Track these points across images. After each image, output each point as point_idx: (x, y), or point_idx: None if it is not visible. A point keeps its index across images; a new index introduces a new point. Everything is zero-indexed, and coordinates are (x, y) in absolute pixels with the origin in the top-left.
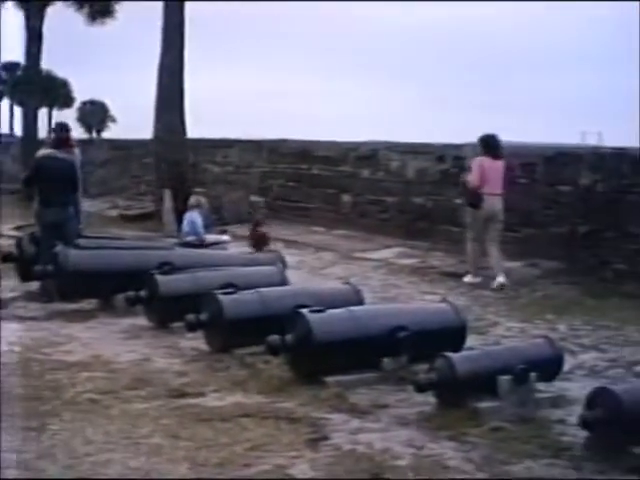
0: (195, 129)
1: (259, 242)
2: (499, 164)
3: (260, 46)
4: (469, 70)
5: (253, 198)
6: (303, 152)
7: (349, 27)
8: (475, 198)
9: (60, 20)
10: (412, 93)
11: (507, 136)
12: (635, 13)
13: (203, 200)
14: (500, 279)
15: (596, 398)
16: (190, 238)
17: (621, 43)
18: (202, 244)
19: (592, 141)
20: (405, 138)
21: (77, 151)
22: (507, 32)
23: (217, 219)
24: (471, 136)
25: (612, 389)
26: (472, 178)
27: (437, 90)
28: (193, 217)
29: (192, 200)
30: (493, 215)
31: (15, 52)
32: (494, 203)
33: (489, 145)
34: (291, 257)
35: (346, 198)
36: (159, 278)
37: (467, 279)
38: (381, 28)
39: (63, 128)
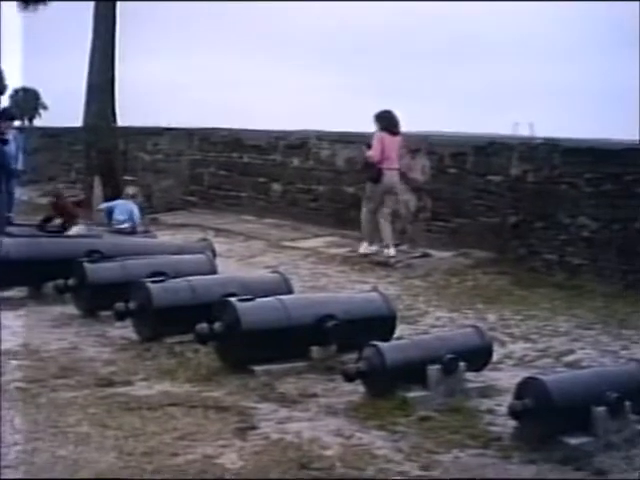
0: (128, 117)
1: (66, 214)
2: (397, 140)
3: (197, 36)
4: (405, 59)
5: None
6: (234, 141)
7: (285, 15)
8: (376, 172)
9: None
10: (347, 82)
11: (439, 126)
12: (576, 7)
13: (132, 190)
14: (390, 251)
15: (525, 388)
16: (125, 225)
17: (560, 35)
18: (133, 232)
19: (524, 132)
20: (337, 127)
21: (12, 137)
22: (443, 22)
23: (147, 207)
24: (404, 126)
25: (541, 379)
26: (373, 153)
27: (371, 79)
28: (131, 207)
29: (130, 190)
30: (391, 188)
31: None
32: (392, 177)
33: (387, 121)
34: (221, 245)
35: (276, 187)
36: (87, 266)
37: (362, 249)
38: (318, 19)
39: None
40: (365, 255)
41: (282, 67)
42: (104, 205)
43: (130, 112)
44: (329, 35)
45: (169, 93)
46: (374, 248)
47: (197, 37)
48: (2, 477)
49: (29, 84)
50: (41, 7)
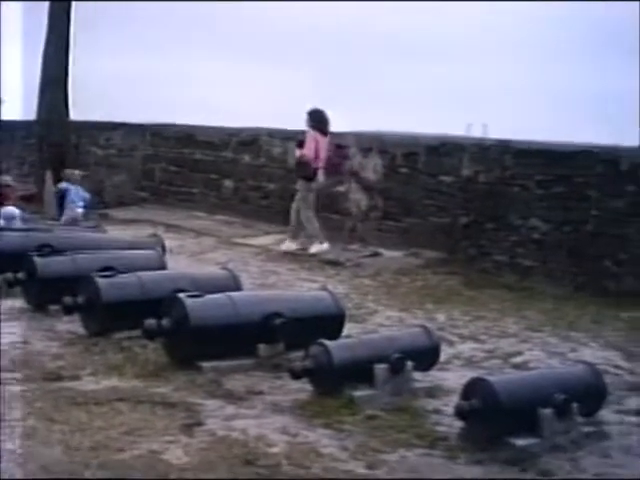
0: (82, 111)
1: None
2: (326, 140)
3: (154, 31)
4: (360, 58)
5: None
6: (186, 137)
7: (245, 12)
8: (310, 171)
9: None
10: (301, 80)
11: (392, 125)
12: (537, 7)
13: (76, 172)
14: (324, 246)
15: (472, 388)
16: (79, 210)
17: (517, 35)
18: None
19: (477, 133)
20: (291, 125)
21: None
22: (398, 19)
23: (99, 202)
24: (355, 125)
25: (488, 380)
26: (307, 152)
27: (326, 77)
28: (84, 194)
29: (74, 173)
30: (323, 187)
31: None
32: (322, 176)
33: (320, 120)
34: (171, 241)
35: (228, 184)
36: (37, 260)
37: (315, 249)
38: (279, 16)
39: None
40: (289, 252)
41: (240, 65)
42: (63, 185)
43: (89, 107)
44: (287, 33)
45: (129, 89)
46: (326, 246)
47: (158, 34)
48: (2, 477)
49: None
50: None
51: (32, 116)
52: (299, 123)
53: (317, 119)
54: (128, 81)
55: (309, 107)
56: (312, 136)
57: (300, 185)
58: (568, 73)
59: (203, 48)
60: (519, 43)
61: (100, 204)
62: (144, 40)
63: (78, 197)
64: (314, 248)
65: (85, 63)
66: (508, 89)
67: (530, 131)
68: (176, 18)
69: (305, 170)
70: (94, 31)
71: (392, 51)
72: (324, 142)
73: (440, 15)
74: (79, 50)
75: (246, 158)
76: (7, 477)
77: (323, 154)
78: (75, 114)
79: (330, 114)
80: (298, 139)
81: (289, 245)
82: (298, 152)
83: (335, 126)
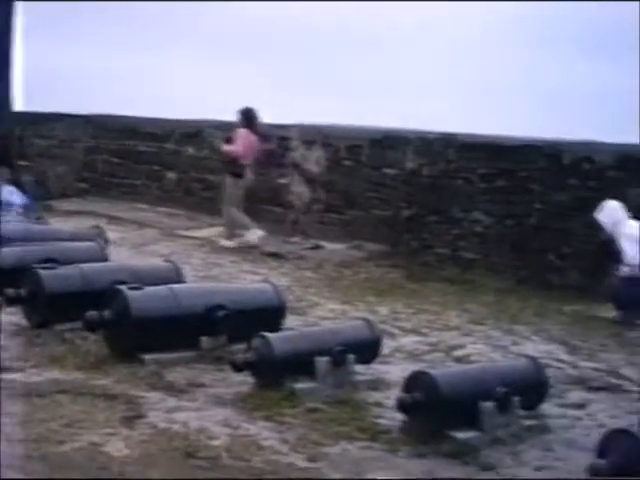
0: (29, 103)
1: None
2: (255, 137)
3: (103, 24)
4: (305, 51)
5: None
6: (130, 128)
7: (198, 5)
8: (239, 168)
9: None
10: (245, 73)
11: (337, 118)
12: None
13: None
14: (258, 232)
15: (414, 382)
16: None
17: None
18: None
19: (422, 126)
20: (235, 118)
21: None
22: (342, 12)
23: (43, 193)
24: (299, 117)
25: (430, 373)
26: (237, 149)
27: (271, 70)
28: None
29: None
30: (251, 184)
31: None
32: (251, 173)
33: (249, 118)
34: (114, 233)
35: (171, 175)
36: None
37: (223, 244)
38: (234, 9)
39: None
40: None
41: (185, 57)
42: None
43: (37, 99)
44: (233, 26)
45: (78, 81)
46: (233, 243)
47: (108, 26)
48: (2, 477)
49: None
50: None
51: None
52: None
53: (248, 117)
54: (80, 72)
55: (242, 105)
56: (242, 133)
57: (228, 181)
58: (519, 66)
59: (165, 44)
60: (470, 36)
61: (47, 195)
62: (108, 35)
63: (15, 195)
64: (251, 236)
65: (39, 53)
66: (459, 82)
67: (477, 125)
68: (138, 14)
69: (234, 167)
70: (48, 21)
71: (341, 44)
72: (253, 140)
73: (398, 7)
74: (37, 40)
75: (189, 150)
76: (7, 477)
77: (252, 152)
78: (28, 106)
79: (272, 106)
80: (226, 136)
81: (227, 243)
82: (227, 149)
83: (279, 119)
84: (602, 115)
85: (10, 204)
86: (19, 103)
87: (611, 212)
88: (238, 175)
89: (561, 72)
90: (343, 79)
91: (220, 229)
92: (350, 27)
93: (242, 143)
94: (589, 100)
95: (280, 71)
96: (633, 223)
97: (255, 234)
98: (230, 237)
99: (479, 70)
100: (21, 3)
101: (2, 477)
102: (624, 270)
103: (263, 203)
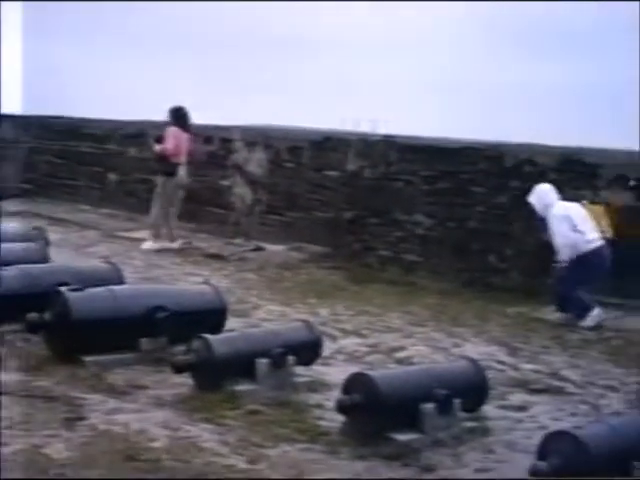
0: None
1: None
2: (186, 136)
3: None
4: (249, 51)
5: None
6: (72, 129)
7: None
8: (171, 167)
9: None
10: (186, 73)
11: (281, 120)
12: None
13: None
14: (155, 245)
15: (354, 383)
16: None
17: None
18: None
19: (366, 128)
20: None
21: None
22: (287, 11)
23: None
24: (241, 118)
25: (369, 374)
26: (169, 147)
27: (212, 71)
28: None
29: None
30: (183, 183)
31: None
32: (184, 172)
33: (180, 117)
34: (55, 234)
35: (112, 177)
36: None
37: (146, 245)
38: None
39: None
40: (158, 250)
41: (128, 57)
42: None
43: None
44: (175, 27)
45: (20, 80)
46: (158, 245)
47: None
48: (2, 477)
49: None
50: None
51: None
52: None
53: (177, 116)
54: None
55: (172, 104)
56: (173, 132)
57: (159, 180)
58: (468, 67)
59: (101, 40)
60: (419, 38)
61: None
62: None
63: None
64: (146, 244)
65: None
66: (405, 83)
67: (421, 127)
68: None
69: (164, 165)
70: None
71: (282, 45)
72: (185, 138)
73: (340, 9)
74: None
75: (131, 151)
76: (7, 477)
77: (184, 150)
78: None
79: (215, 107)
80: (156, 135)
81: (149, 245)
82: (158, 147)
83: (222, 120)
84: (546, 117)
85: None
86: None
87: (542, 195)
88: (169, 174)
89: (508, 72)
90: (286, 80)
91: (163, 230)
92: (293, 29)
93: (172, 141)
94: (533, 101)
95: (223, 71)
96: (563, 204)
97: (151, 246)
98: (156, 238)
99: (424, 71)
100: None
101: (2, 477)
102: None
103: (205, 205)
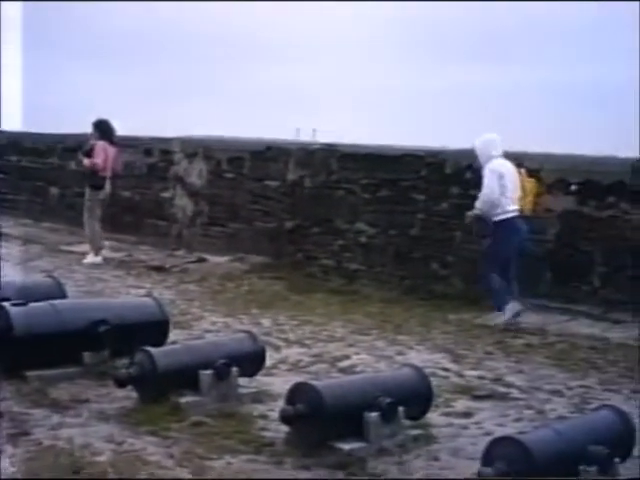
0: None
1: None
2: (113, 149)
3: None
4: (190, 61)
5: None
6: (12, 143)
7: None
8: (99, 180)
9: None
10: (131, 84)
11: (221, 130)
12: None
13: None
14: (97, 259)
15: (297, 393)
16: None
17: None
18: None
19: (306, 137)
20: (120, 131)
21: None
22: (225, 20)
23: None
24: (182, 129)
25: (312, 384)
26: (98, 162)
27: (152, 81)
28: None
29: None
30: (108, 196)
31: None
32: (109, 185)
33: (105, 131)
34: None
35: (54, 190)
36: None
37: (88, 259)
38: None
39: None
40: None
41: (61, 67)
42: None
43: None
44: (125, 36)
45: None
46: (100, 259)
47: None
48: (2, 477)
49: None
50: None
51: None
52: (127, 129)
53: (103, 129)
54: None
55: (96, 117)
56: (101, 146)
57: (88, 194)
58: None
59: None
60: (357, 45)
61: None
62: None
63: None
64: (88, 258)
65: None
66: (340, 92)
67: (362, 135)
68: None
69: (95, 179)
70: None
71: (225, 55)
72: (112, 151)
73: (280, 15)
74: None
75: (72, 164)
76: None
77: (110, 163)
78: None
79: (154, 118)
80: (85, 148)
81: (93, 259)
82: (87, 161)
83: (161, 131)
84: (488, 121)
85: None
86: None
87: (489, 144)
88: (98, 187)
89: (443, 77)
90: (226, 89)
91: (105, 243)
92: (229, 37)
93: (102, 156)
94: (473, 105)
95: (162, 81)
96: (503, 162)
97: (93, 259)
98: (96, 251)
99: (361, 77)
100: None
101: (2, 477)
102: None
103: (147, 217)
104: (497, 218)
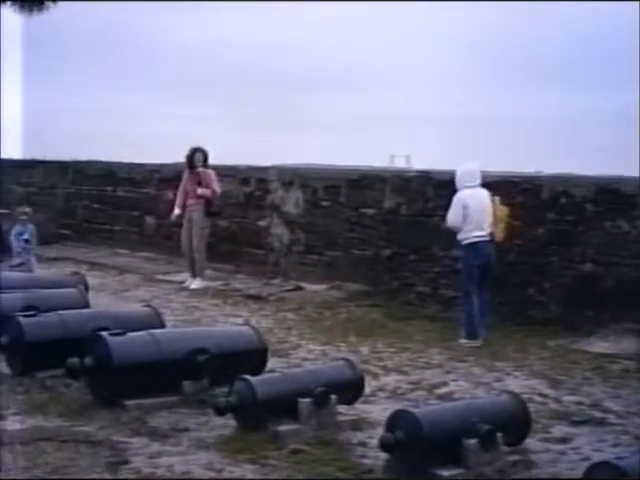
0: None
1: None
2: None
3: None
4: (277, 89)
5: None
6: (108, 174)
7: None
8: (214, 207)
9: None
10: (219, 113)
11: (314, 158)
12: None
13: (26, 210)
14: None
15: (396, 420)
16: (29, 246)
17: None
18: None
19: (401, 164)
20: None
21: None
22: (316, 50)
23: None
24: (277, 158)
25: (412, 411)
26: (216, 189)
27: (242, 110)
28: (31, 227)
29: (24, 210)
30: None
31: None
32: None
33: (207, 158)
34: (94, 279)
35: (150, 220)
36: None
37: (195, 285)
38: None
39: None
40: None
41: (152, 98)
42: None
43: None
44: (198, 65)
45: (45, 123)
46: (205, 283)
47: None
48: (2, 477)
49: None
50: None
51: None
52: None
53: (207, 156)
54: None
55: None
56: (213, 173)
57: (201, 221)
58: (497, 102)
59: (122, 80)
60: (450, 73)
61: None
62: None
63: (28, 232)
64: (195, 283)
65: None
66: (434, 119)
67: (453, 161)
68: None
69: (210, 206)
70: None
71: (316, 83)
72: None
73: (365, 45)
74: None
75: (169, 194)
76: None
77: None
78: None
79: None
80: (196, 179)
81: (197, 283)
82: (203, 191)
83: (258, 161)
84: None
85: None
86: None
87: (467, 175)
88: (214, 214)
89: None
90: (319, 118)
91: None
92: (325, 66)
93: (217, 182)
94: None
95: (256, 110)
96: (471, 194)
97: (200, 283)
98: (203, 277)
99: (443, 105)
100: None
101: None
102: None
103: (243, 246)
104: (461, 242)
